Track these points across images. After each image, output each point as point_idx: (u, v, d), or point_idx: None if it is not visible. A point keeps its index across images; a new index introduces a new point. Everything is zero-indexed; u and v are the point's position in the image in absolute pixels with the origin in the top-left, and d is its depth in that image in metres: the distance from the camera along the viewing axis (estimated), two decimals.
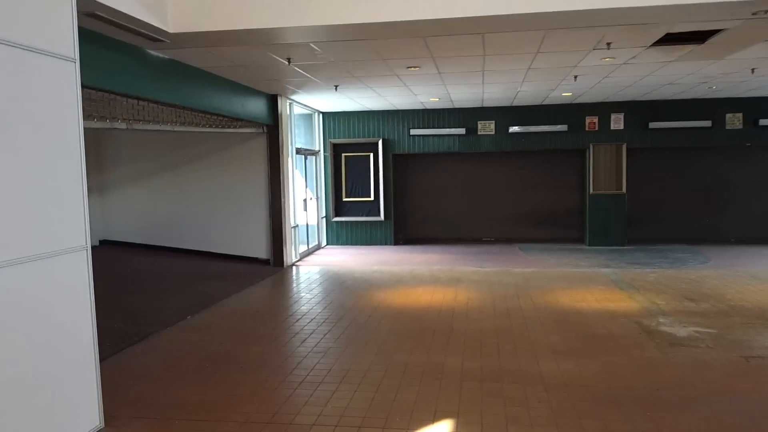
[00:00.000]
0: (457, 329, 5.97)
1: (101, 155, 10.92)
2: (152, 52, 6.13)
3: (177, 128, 7.01)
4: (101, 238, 10.95)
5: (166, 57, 6.41)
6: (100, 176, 10.92)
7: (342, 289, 8.14)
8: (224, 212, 10.29)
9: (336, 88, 9.07)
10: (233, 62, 6.92)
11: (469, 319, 6.39)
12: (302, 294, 7.92)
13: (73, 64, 3.64)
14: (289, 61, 6.81)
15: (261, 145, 9.97)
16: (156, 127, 6.54)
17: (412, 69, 7.58)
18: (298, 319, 6.49)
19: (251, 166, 10.05)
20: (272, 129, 9.89)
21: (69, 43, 3.60)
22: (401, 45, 6.25)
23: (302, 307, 7.08)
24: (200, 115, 7.57)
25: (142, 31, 5.15)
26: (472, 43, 6.22)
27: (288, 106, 10.44)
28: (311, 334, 5.89)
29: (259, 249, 10.14)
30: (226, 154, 10.24)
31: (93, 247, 10.21)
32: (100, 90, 5.44)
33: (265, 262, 10.10)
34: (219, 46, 5.94)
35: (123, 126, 5.94)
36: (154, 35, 5.32)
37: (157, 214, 10.68)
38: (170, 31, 5.23)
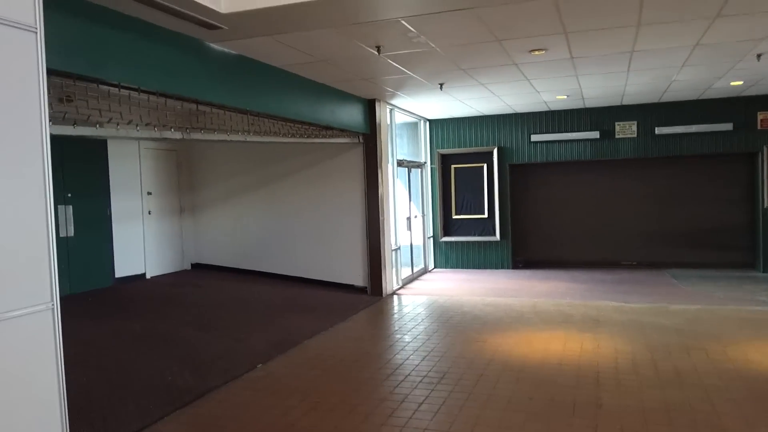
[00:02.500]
0: (608, 406, 4.22)
1: (193, 174, 10.31)
2: (213, 46, 5.07)
3: (250, 138, 5.94)
4: (193, 262, 10.30)
5: (232, 53, 5.34)
6: (192, 196, 10.31)
7: (448, 330, 6.61)
8: (317, 234, 9.19)
9: (441, 87, 7.63)
10: (313, 56, 5.73)
11: (622, 387, 4.60)
12: (398, 336, 6.49)
13: (34, 34, 2.51)
14: (378, 51, 5.49)
15: (357, 157, 8.76)
16: (221, 137, 5.48)
17: (537, 53, 5.95)
18: (389, 376, 5.07)
19: (346, 180, 8.87)
20: (369, 138, 8.65)
21: (28, 5, 2.48)
22: (523, 15, 4.68)
23: (396, 356, 5.66)
24: (279, 123, 6.47)
25: (190, 13, 4.07)
26: (626, 5, 4.51)
27: (388, 113, 9.17)
28: (402, 401, 4.44)
29: (355, 275, 8.90)
30: (319, 169, 9.15)
31: (184, 271, 8.77)
32: (146, 92, 4.42)
33: (362, 290, 8.83)
34: (286, 32, 4.75)
35: (177, 135, 4.91)
36: (205, 18, 4.24)
37: (248, 237, 9.84)
38: (223, 11, 4.13)
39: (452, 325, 6.79)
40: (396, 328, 6.90)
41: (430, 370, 5.17)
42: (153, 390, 4.69)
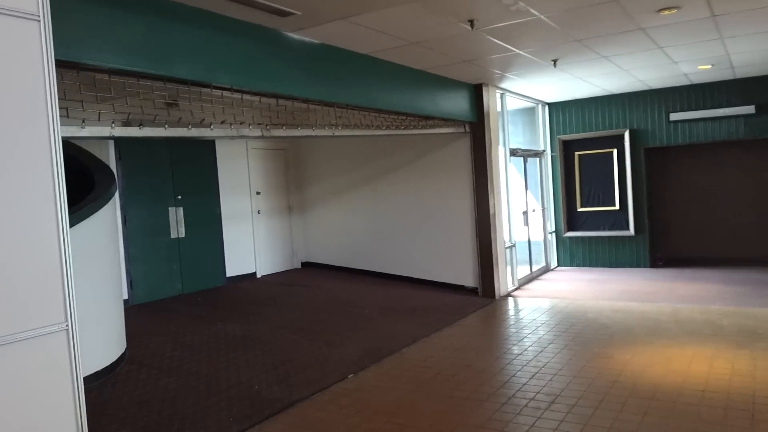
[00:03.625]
0: None
1: (301, 172, 10.25)
2: (292, 36, 4.74)
3: (338, 133, 5.56)
4: (303, 260, 10.25)
5: (313, 42, 4.98)
6: (301, 195, 10.26)
7: (567, 340, 5.78)
8: (423, 231, 8.67)
9: (554, 64, 6.74)
10: (402, 39, 5.20)
11: None
12: (508, 346, 5.78)
13: (37, 23, 2.24)
14: (471, 25, 4.82)
15: (464, 147, 8.11)
16: (305, 132, 5.14)
17: (667, 13, 4.93)
18: (490, 395, 4.42)
19: (453, 173, 8.25)
20: (477, 127, 7.95)
21: None
22: None
23: (502, 371, 4.98)
24: (371, 114, 6.02)
25: None
26: None
27: (498, 98, 8.40)
28: (505, 427, 3.79)
29: (465, 275, 8.26)
30: (423, 162, 8.61)
31: (294, 270, 8.63)
32: (219, 88, 4.18)
33: (472, 291, 8.17)
34: (361, 13, 4.27)
35: (257, 133, 4.64)
36: (275, 4, 3.89)
37: (355, 235, 9.56)
38: None
39: (573, 335, 5.94)
40: (506, 337, 6.19)
41: (539, 391, 4.44)
42: (237, 401, 4.47)
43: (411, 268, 8.87)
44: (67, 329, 2.26)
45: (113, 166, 7.23)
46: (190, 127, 4.07)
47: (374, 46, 5.42)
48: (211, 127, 4.22)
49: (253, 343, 5.94)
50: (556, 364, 5.09)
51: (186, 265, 8.11)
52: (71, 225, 4.62)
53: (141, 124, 3.74)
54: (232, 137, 4.51)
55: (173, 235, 7.95)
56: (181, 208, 8.05)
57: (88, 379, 4.68)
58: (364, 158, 9.29)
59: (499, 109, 8.48)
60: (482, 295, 8.04)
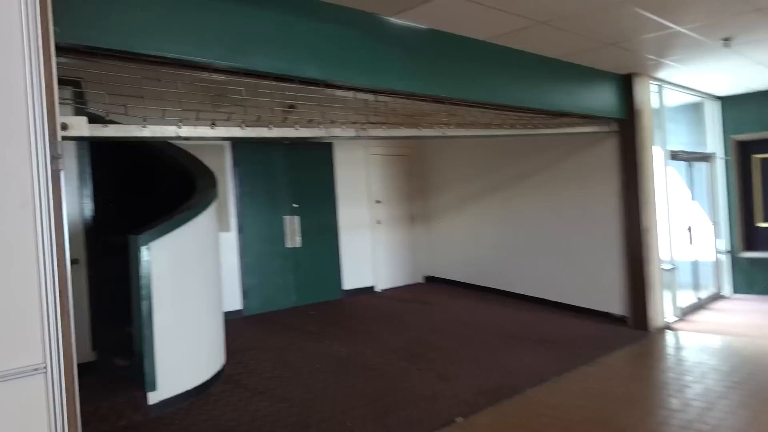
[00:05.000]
0: None
1: (425, 179, 9.60)
2: (392, 20, 4.11)
3: (449, 133, 4.80)
4: (426, 274, 9.58)
5: (420, 27, 4.31)
6: (424, 204, 9.60)
7: (745, 395, 4.46)
8: (561, 247, 7.56)
9: (726, 44, 5.39)
10: (526, 17, 4.33)
11: None
12: (665, 398, 4.59)
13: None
14: None
15: (610, 150, 6.91)
16: (408, 132, 4.46)
17: None
18: None
19: (595, 180, 7.08)
20: (626, 126, 6.72)
21: None
22: None
23: None
24: (490, 112, 5.19)
25: None
26: None
27: (653, 91, 7.07)
28: None
29: (611, 300, 7.02)
30: (560, 168, 7.52)
31: (416, 285, 8.07)
32: (307, 83, 3.67)
33: (620, 320, 6.91)
34: None
35: (350, 133, 4.05)
36: None
37: (482, 249, 8.67)
38: None
39: (753, 388, 4.59)
40: (661, 385, 4.96)
41: None
42: None
43: (545, 289, 7.80)
44: (46, 372, 1.80)
45: (229, 172, 7.16)
46: (270, 126, 3.59)
47: (493, 30, 4.61)
48: (296, 126, 3.72)
49: (357, 367, 5.37)
50: (730, 427, 3.86)
51: (301, 276, 7.84)
52: (162, 233, 4.43)
53: (213, 123, 3.33)
54: (320, 138, 3.97)
55: (289, 245, 7.71)
56: (297, 217, 7.80)
57: (177, 399, 4.41)
58: (495, 164, 8.40)
59: (655, 104, 7.15)
60: (632, 326, 6.76)
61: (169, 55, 2.95)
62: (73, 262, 4.82)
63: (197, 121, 3.25)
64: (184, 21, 3.02)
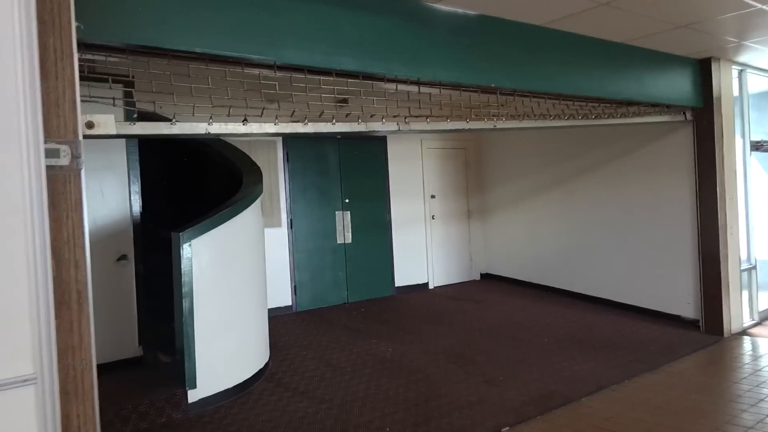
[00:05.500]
0: None
1: (482, 173, 9.25)
2: (436, 7, 3.87)
3: (500, 125, 4.51)
4: (483, 271, 9.26)
5: (468, 13, 4.04)
6: (482, 198, 9.27)
7: None
8: (628, 244, 7.08)
9: None
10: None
11: None
12: (739, 411, 4.15)
13: None
14: None
15: (684, 140, 6.38)
16: (456, 125, 4.21)
17: None
18: None
19: (667, 173, 6.56)
20: (703, 114, 6.17)
21: None
22: None
23: None
24: (548, 101, 4.84)
25: None
26: None
27: (734, 77, 6.46)
28: None
29: (682, 302, 6.51)
30: (628, 160, 7.03)
31: (472, 282, 8.14)
32: (344, 75, 3.50)
33: (691, 324, 6.39)
34: None
35: (392, 127, 3.85)
36: None
37: (542, 245, 8.27)
38: None
39: None
40: (733, 396, 4.50)
41: None
42: None
43: (609, 288, 7.34)
44: (36, 383, 1.73)
45: (281, 167, 7.12)
46: (306, 121, 3.45)
47: (549, 13, 4.27)
48: (333, 121, 3.56)
49: (402, 368, 5.20)
50: None
51: (352, 272, 7.73)
52: (204, 230, 4.40)
53: (245, 120, 3.22)
54: (360, 133, 3.79)
55: (339, 241, 7.62)
56: (349, 212, 7.69)
57: (217, 397, 4.39)
58: (556, 156, 7.97)
59: (736, 90, 6.52)
60: (705, 330, 6.23)
61: (198, 50, 2.85)
62: (122, 257, 4.89)
63: (228, 118, 3.15)
64: (213, 14, 2.91)
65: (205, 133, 3.05)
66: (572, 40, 4.79)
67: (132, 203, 4.90)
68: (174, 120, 2.96)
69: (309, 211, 7.39)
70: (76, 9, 2.43)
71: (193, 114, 3.02)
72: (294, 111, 3.43)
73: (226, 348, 4.49)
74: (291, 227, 7.24)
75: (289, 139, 7.17)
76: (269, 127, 3.31)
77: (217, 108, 3.07)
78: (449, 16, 3.95)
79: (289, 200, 7.20)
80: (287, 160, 7.19)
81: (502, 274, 8.97)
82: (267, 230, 6.90)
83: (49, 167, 2.43)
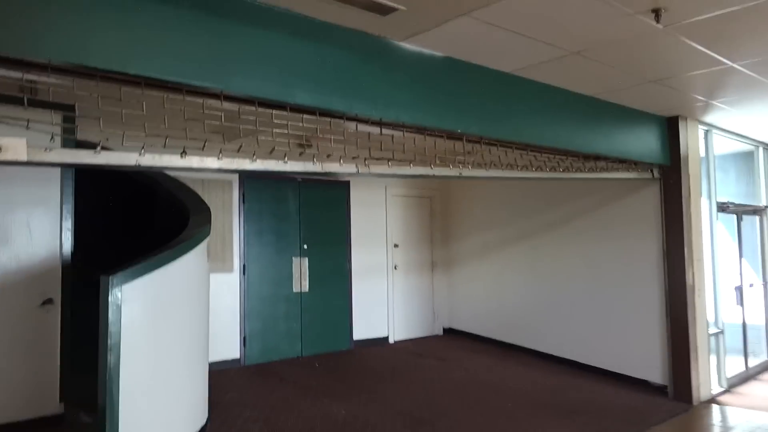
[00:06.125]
0: None
1: (448, 223, 9.03)
2: (402, 46, 3.66)
3: (465, 173, 4.27)
4: (446, 326, 8.91)
5: (435, 55, 3.85)
6: (446, 249, 9.01)
7: None
8: (594, 304, 6.85)
9: None
10: (556, 45, 3.84)
11: None
12: None
13: None
14: (657, 17, 3.30)
15: (651, 199, 6.27)
16: (418, 170, 3.95)
17: None
18: None
19: (634, 232, 6.42)
20: (670, 173, 6.09)
21: None
22: None
23: None
24: (515, 152, 4.65)
25: None
26: None
27: (701, 137, 6.45)
28: None
29: (650, 366, 6.25)
30: (595, 217, 6.89)
31: (434, 337, 7.75)
32: (301, 110, 3.22)
33: (659, 390, 6.12)
34: (483, 3, 3.04)
35: (351, 169, 3.56)
36: None
37: (507, 301, 7.99)
38: None
39: None
40: None
41: None
42: None
43: (575, 349, 7.05)
44: None
45: (236, 209, 6.73)
46: (255, 158, 3.14)
47: (519, 60, 4.12)
48: (285, 159, 3.25)
49: None
50: None
51: (308, 323, 7.29)
52: (138, 275, 3.97)
53: (183, 152, 2.88)
54: (314, 174, 3.49)
55: (296, 289, 7.20)
56: (307, 259, 7.31)
57: None
58: (524, 209, 7.80)
59: (702, 151, 6.50)
60: (673, 397, 5.96)
61: (132, 72, 2.53)
62: (47, 301, 4.40)
63: (164, 149, 2.81)
64: (159, 39, 2.61)
65: (135, 165, 2.70)
66: (542, 90, 4.65)
67: (63, 241, 4.44)
68: (99, 149, 2.60)
69: (264, 257, 6.97)
70: None
71: (123, 143, 2.66)
72: (241, 146, 3.11)
73: (155, 408, 3.98)
74: (244, 273, 6.79)
75: (246, 179, 6.82)
76: (211, 162, 2.98)
77: (151, 138, 2.73)
78: (415, 56, 3.75)
79: (243, 244, 6.79)
80: (243, 201, 6.82)
81: (466, 329, 8.63)
82: (217, 275, 6.46)
83: None
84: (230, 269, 6.66)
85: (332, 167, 3.47)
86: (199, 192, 6.22)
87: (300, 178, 7.30)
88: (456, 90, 4.01)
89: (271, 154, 3.23)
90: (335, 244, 7.65)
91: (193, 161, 2.91)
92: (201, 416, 4.58)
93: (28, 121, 2.45)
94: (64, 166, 2.55)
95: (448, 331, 8.85)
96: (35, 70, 2.43)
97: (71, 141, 3.84)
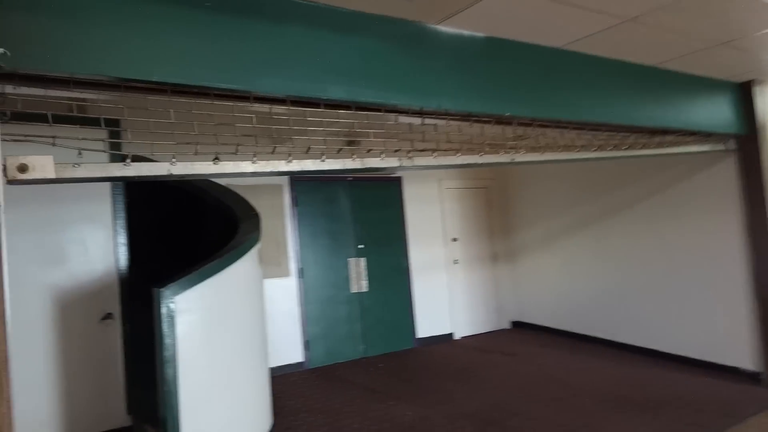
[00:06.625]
0: None
1: (509, 213, 8.69)
2: (439, 29, 3.46)
3: (518, 158, 4.01)
4: (513, 319, 8.58)
5: (475, 36, 3.62)
6: (508, 240, 8.68)
7: None
8: (672, 288, 6.38)
9: None
10: (611, 13, 3.52)
11: None
12: None
13: None
14: None
15: (726, 172, 5.76)
16: (464, 159, 3.73)
17: None
18: None
19: (711, 207, 5.92)
20: (747, 143, 5.57)
21: None
22: None
23: None
24: (571, 131, 4.34)
25: None
26: None
27: None
28: None
29: (739, 352, 5.75)
30: (667, 195, 6.40)
31: (501, 331, 7.52)
32: (333, 105, 3.09)
33: (752, 377, 5.61)
34: None
35: (393, 163, 3.39)
36: None
37: (576, 290, 7.59)
38: None
39: None
40: None
41: None
42: None
43: (654, 337, 6.60)
44: None
45: (288, 213, 6.70)
46: (290, 158, 3.02)
47: (567, 34, 3.82)
48: (323, 158, 3.12)
49: None
50: None
51: (369, 324, 7.18)
52: (189, 285, 3.96)
53: (216, 158, 2.80)
54: (357, 172, 3.33)
55: (354, 290, 7.10)
56: (364, 259, 7.20)
57: None
58: (588, 193, 7.38)
59: None
60: None
61: (155, 78, 2.46)
62: (107, 316, 4.48)
63: (195, 156, 2.74)
64: (173, 40, 2.54)
65: (168, 174, 2.64)
66: (597, 63, 4.32)
67: (118, 256, 4.52)
68: (128, 161, 2.55)
69: (320, 259, 6.91)
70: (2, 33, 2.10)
71: (152, 153, 2.61)
72: (275, 148, 3.00)
73: (217, 417, 3.97)
74: (301, 276, 6.76)
75: (296, 182, 6.78)
76: (246, 167, 2.88)
77: (181, 146, 2.66)
78: (453, 39, 3.53)
79: (297, 247, 6.75)
80: (295, 205, 6.78)
81: (535, 321, 8.28)
82: (274, 281, 6.46)
83: None
84: (286, 273, 6.64)
85: (373, 162, 3.31)
86: (250, 197, 6.23)
87: (350, 177, 7.19)
88: (501, 71, 3.77)
89: (307, 152, 3.11)
90: (391, 241, 7.50)
91: (228, 167, 2.82)
92: (265, 423, 4.54)
93: (53, 138, 2.42)
94: (95, 181, 2.51)
95: (516, 324, 8.52)
96: (56, 85, 2.42)
97: (117, 156, 3.88)
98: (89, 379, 4.32)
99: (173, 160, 2.66)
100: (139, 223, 4.75)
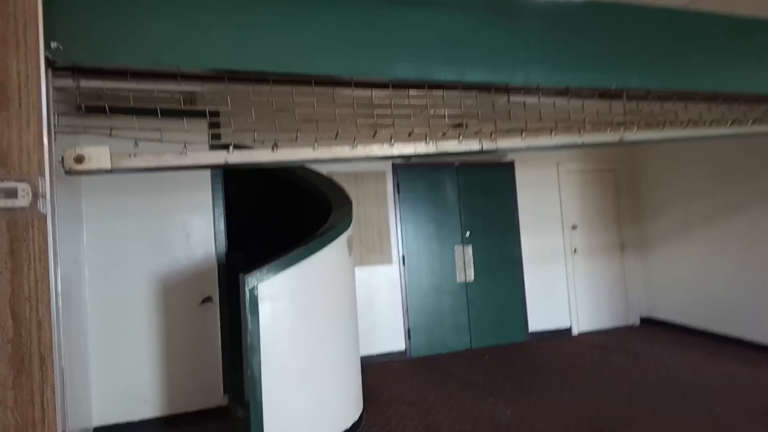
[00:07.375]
0: None
1: (639, 198, 7.80)
2: None
3: (630, 137, 3.47)
4: (643, 315, 7.74)
5: (575, 0, 3.18)
6: (638, 228, 7.81)
7: None
8: None
9: None
10: None
11: None
12: None
13: None
14: None
15: None
16: (565, 140, 3.29)
17: None
18: None
19: None
20: None
21: None
22: None
23: None
24: (698, 104, 3.69)
25: None
26: None
27: None
28: None
29: None
30: None
31: (628, 328, 7.24)
32: (406, 86, 2.88)
33: None
34: None
35: (477, 146, 3.07)
36: None
37: (718, 284, 6.62)
38: None
39: None
40: None
41: None
42: None
43: None
44: None
45: (390, 199, 6.56)
46: (355, 144, 2.85)
47: None
48: (392, 142, 2.90)
49: None
50: None
51: (476, 315, 6.85)
52: (275, 271, 3.97)
53: (275, 145, 2.70)
54: (463, 155, 3.06)
55: (460, 279, 6.81)
56: (470, 247, 6.86)
57: None
58: (734, 176, 6.39)
59: None
60: None
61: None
62: (206, 299, 4.66)
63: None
64: (222, 30, 2.48)
65: (224, 163, 2.59)
66: (727, 23, 3.62)
67: (217, 242, 4.68)
68: (184, 150, 2.53)
69: (424, 247, 6.71)
70: (78, 26, 2.17)
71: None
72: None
73: (301, 406, 3.96)
74: (404, 264, 6.61)
75: (399, 168, 6.62)
76: (305, 153, 2.76)
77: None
78: (546, 5, 3.12)
79: (401, 234, 6.61)
80: (398, 191, 6.63)
81: (668, 318, 7.40)
82: (377, 268, 6.39)
83: (4, 210, 2.10)
84: (389, 261, 6.53)
85: (449, 146, 3.02)
86: (352, 185, 6.19)
87: (457, 162, 6.88)
88: (604, 39, 3.28)
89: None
90: (501, 229, 7.08)
91: (285, 153, 2.72)
92: (353, 412, 4.48)
93: (111, 129, 2.47)
94: (149, 171, 2.53)
95: (646, 321, 7.69)
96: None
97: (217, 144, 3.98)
98: (189, 359, 4.54)
99: (230, 148, 2.61)
100: (238, 209, 4.89)
